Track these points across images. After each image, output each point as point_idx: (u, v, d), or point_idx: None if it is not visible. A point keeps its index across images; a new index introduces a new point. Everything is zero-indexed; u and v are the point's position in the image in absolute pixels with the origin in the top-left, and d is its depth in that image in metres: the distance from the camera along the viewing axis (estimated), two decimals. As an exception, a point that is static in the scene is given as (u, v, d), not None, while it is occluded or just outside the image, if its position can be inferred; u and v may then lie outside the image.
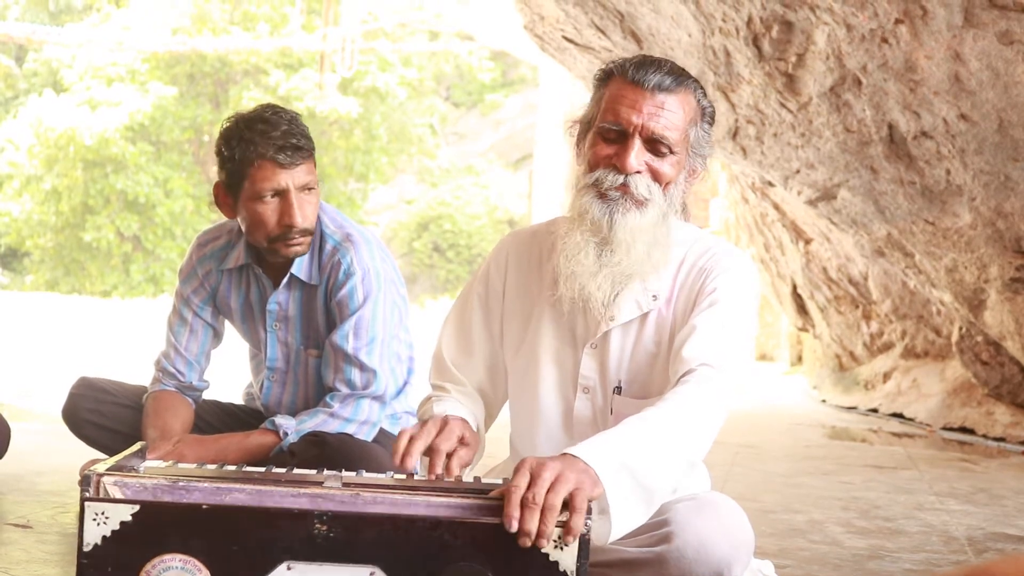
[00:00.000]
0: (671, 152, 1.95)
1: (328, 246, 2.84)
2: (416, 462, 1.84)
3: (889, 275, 6.92)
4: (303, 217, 2.73)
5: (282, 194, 2.72)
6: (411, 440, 1.84)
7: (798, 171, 5.60)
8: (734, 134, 5.60)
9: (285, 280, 2.85)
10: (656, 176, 1.95)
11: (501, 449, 2.27)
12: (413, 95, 27.63)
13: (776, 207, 7.65)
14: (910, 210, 5.30)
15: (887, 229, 5.64)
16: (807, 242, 7.67)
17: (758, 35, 4.73)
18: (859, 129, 4.96)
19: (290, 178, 2.71)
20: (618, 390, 2.01)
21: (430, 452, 1.84)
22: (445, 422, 1.89)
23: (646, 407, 1.95)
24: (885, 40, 4.40)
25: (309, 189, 2.75)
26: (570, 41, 5.97)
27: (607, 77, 2.01)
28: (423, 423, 1.90)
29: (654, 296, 2.00)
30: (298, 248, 2.77)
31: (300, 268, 2.84)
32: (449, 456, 1.84)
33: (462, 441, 1.89)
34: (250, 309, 2.96)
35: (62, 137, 24.45)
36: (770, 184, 6.48)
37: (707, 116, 2.03)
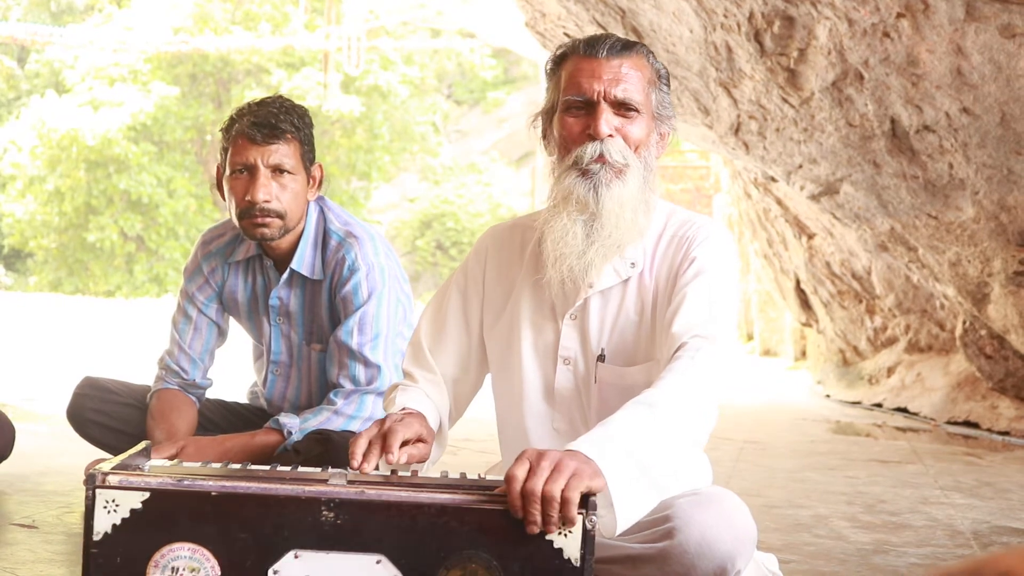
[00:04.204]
0: (638, 113, 2.00)
1: (332, 242, 2.84)
2: (372, 462, 1.81)
3: (892, 269, 6.91)
4: (266, 194, 2.72)
5: (250, 170, 2.73)
6: (359, 438, 1.83)
7: (800, 166, 5.59)
8: (736, 129, 5.60)
9: (286, 275, 2.86)
10: (627, 140, 1.99)
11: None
12: (415, 93, 27.67)
13: (779, 202, 7.65)
14: (913, 204, 5.30)
15: (890, 223, 5.64)
16: (810, 237, 7.67)
17: (760, 30, 4.73)
18: (861, 124, 4.96)
19: (260, 155, 2.72)
20: (601, 358, 2.02)
21: (380, 439, 1.84)
22: (404, 416, 1.90)
23: (631, 375, 1.98)
24: (887, 34, 4.40)
25: (283, 171, 2.75)
26: (571, 38, 5.97)
27: (561, 60, 2.07)
28: (380, 420, 1.90)
29: (632, 263, 2.03)
30: (264, 230, 2.75)
31: (301, 263, 2.84)
32: (402, 446, 1.83)
33: (420, 438, 1.89)
34: (256, 302, 2.97)
35: (65, 138, 24.50)
36: (773, 179, 6.48)
37: (663, 78, 2.08)
